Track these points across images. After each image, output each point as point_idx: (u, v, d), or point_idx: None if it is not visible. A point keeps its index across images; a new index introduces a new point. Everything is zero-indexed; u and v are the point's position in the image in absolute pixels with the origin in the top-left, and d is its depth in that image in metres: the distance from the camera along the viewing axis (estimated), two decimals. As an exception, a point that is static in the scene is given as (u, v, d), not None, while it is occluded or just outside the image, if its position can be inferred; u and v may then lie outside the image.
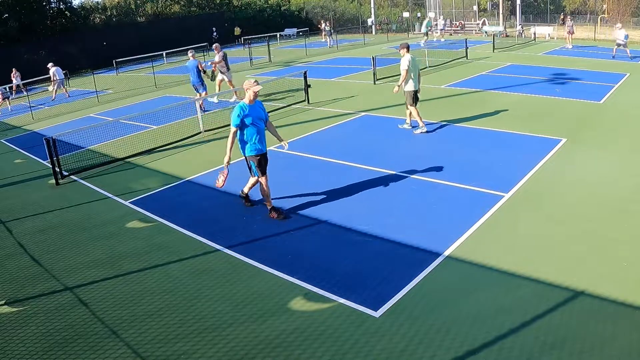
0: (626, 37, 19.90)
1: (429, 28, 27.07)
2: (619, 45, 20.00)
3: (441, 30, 29.06)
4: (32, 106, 17.72)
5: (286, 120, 12.29)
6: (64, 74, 22.64)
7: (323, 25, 33.60)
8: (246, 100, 6.43)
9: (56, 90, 20.94)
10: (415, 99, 10.14)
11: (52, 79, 21.34)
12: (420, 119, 10.17)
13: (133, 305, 5.01)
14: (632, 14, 33.12)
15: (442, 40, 27.67)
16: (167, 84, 20.72)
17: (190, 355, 4.23)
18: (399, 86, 10.06)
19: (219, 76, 14.94)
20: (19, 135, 14.27)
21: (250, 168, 6.65)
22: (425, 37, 26.21)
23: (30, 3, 31.41)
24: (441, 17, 31.82)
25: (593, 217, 6.14)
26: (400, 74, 9.96)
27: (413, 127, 10.42)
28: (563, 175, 7.51)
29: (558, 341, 3.99)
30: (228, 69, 14.92)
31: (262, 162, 6.62)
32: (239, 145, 6.62)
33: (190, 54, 14.58)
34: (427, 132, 10.15)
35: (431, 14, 37.25)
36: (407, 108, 10.23)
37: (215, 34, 36.27)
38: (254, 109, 6.46)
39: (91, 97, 19.31)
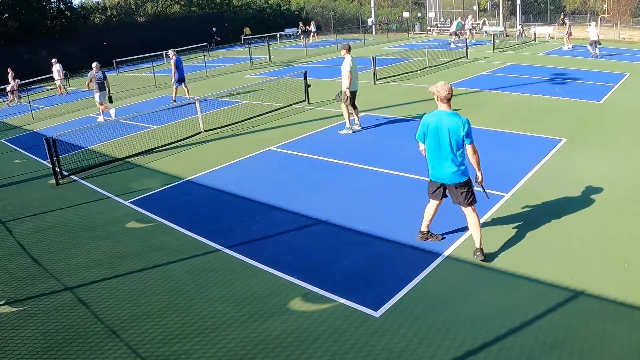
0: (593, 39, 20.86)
1: (459, 29, 27.11)
2: (592, 44, 20.71)
3: (470, 30, 28.96)
4: (32, 106, 17.71)
5: (286, 120, 12.29)
6: (63, 73, 22.61)
7: (300, 26, 34.51)
8: (440, 108, 5.22)
9: (60, 87, 20.71)
10: (352, 99, 10.32)
11: (56, 77, 21.11)
12: (349, 121, 10.43)
13: (133, 305, 5.01)
14: (632, 14, 33.12)
15: (473, 40, 27.43)
16: (167, 84, 20.71)
17: (190, 355, 4.22)
18: (347, 88, 10.10)
19: (97, 96, 14.24)
20: (19, 135, 14.27)
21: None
22: (456, 37, 26.17)
23: (30, 3, 31.41)
24: (470, 17, 31.81)
25: (593, 217, 6.14)
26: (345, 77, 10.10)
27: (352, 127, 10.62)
28: (563, 175, 7.51)
29: (558, 341, 3.99)
30: (102, 89, 14.03)
31: (436, 189, 5.45)
32: (464, 167, 5.19)
33: (171, 52, 15.76)
34: (352, 132, 10.41)
35: (431, 14, 37.28)
36: (344, 108, 10.37)
37: (215, 34, 36.10)
38: (439, 118, 5.25)
39: (91, 97, 19.27)
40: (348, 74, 10.04)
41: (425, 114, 5.25)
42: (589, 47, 20.76)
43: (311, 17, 42.89)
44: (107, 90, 14.15)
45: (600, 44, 20.71)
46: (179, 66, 15.39)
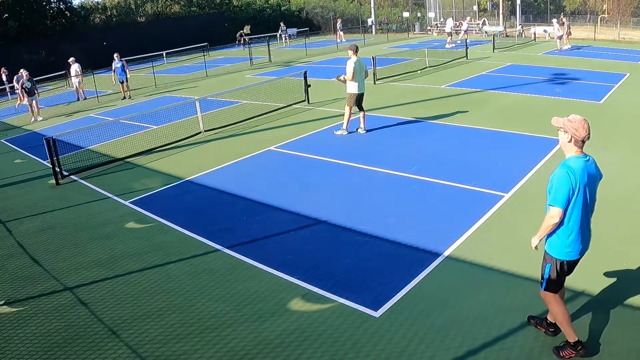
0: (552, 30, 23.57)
1: (452, 29, 27.23)
2: (559, 38, 22.85)
3: (465, 31, 28.98)
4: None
5: (286, 120, 12.29)
6: (63, 74, 22.54)
7: (281, 26, 35.50)
8: (571, 152, 3.69)
9: (80, 88, 19.65)
10: (359, 101, 10.40)
11: (76, 75, 19.96)
12: (347, 123, 10.43)
13: (133, 305, 5.01)
14: (632, 14, 33.12)
15: (458, 41, 27.44)
16: (167, 84, 20.73)
17: (190, 355, 4.22)
18: (344, 78, 10.31)
19: (26, 100, 15.98)
20: (19, 135, 14.27)
21: (542, 275, 3.84)
22: (450, 38, 26.30)
23: (30, 3, 31.38)
24: (468, 17, 31.84)
25: (593, 216, 6.12)
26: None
27: (356, 129, 10.61)
28: (563, 175, 7.49)
29: (558, 341, 3.99)
30: (30, 94, 15.79)
31: (570, 270, 3.80)
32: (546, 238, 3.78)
33: (116, 55, 18.44)
34: (347, 134, 10.40)
35: (431, 14, 37.29)
36: (347, 109, 10.40)
37: (243, 33, 35.81)
38: (584, 171, 3.59)
39: (91, 97, 19.31)
40: (351, 75, 10.05)
41: (563, 170, 3.59)
42: (557, 41, 22.93)
43: (311, 17, 42.93)
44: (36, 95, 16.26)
45: (561, 38, 22.92)
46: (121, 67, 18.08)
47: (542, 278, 3.82)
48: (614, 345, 3.92)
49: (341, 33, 32.98)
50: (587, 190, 3.57)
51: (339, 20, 34.73)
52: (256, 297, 4.98)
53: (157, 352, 4.29)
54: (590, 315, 4.29)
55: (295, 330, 4.43)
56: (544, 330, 4.12)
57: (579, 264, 3.86)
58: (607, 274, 4.86)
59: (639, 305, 4.36)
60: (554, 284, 3.77)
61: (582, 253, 3.75)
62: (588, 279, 4.80)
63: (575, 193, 3.53)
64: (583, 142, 3.63)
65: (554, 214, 3.56)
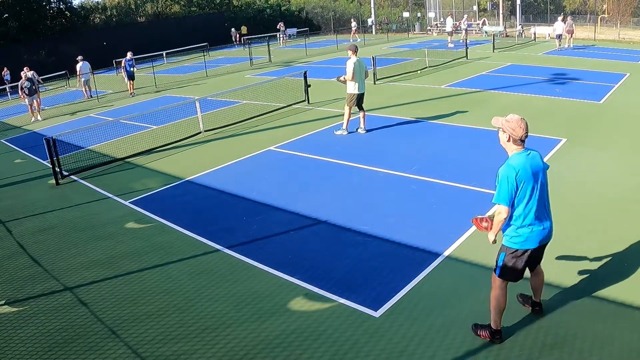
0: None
1: (453, 28, 27.31)
2: (558, 37, 23.10)
3: (465, 30, 28.96)
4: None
5: (286, 120, 12.30)
6: (63, 73, 22.52)
7: (280, 26, 35.92)
8: (512, 150, 3.94)
9: (84, 87, 19.43)
10: (359, 101, 10.42)
11: (78, 74, 19.88)
12: (347, 122, 10.46)
13: (133, 305, 5.01)
14: (632, 14, 33.11)
15: (467, 41, 27.43)
16: (167, 84, 20.73)
17: (190, 355, 4.23)
18: (344, 78, 10.35)
19: (26, 100, 16.44)
20: (19, 135, 14.27)
21: (497, 261, 3.99)
22: (451, 37, 26.33)
23: (30, 3, 31.42)
24: (465, 16, 31.79)
25: (593, 217, 6.14)
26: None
27: (354, 129, 10.64)
28: (563, 175, 7.50)
29: (558, 341, 3.99)
30: (29, 94, 16.23)
31: (528, 261, 3.91)
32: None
33: (129, 54, 18.99)
34: (347, 134, 10.43)
35: (431, 14, 37.28)
36: (346, 109, 10.42)
37: (238, 33, 35.93)
38: (526, 165, 3.82)
39: (91, 97, 19.31)
40: (351, 75, 10.08)
41: (504, 168, 3.85)
42: (556, 40, 23.10)
43: (311, 17, 42.94)
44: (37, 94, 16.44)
45: (561, 37, 22.92)
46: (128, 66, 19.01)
47: (497, 265, 3.98)
48: (614, 345, 3.92)
49: (355, 29, 33.20)
50: (533, 183, 3.74)
51: (353, 20, 34.85)
52: (256, 297, 4.98)
53: (157, 352, 4.29)
54: (590, 315, 4.29)
55: (295, 330, 4.43)
56: (530, 307, 4.33)
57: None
58: (607, 274, 4.86)
59: (638, 305, 4.36)
60: (510, 273, 3.92)
61: (541, 242, 3.86)
62: (588, 279, 4.80)
63: (521, 187, 3.71)
64: (522, 140, 3.83)
65: (500, 210, 3.76)
